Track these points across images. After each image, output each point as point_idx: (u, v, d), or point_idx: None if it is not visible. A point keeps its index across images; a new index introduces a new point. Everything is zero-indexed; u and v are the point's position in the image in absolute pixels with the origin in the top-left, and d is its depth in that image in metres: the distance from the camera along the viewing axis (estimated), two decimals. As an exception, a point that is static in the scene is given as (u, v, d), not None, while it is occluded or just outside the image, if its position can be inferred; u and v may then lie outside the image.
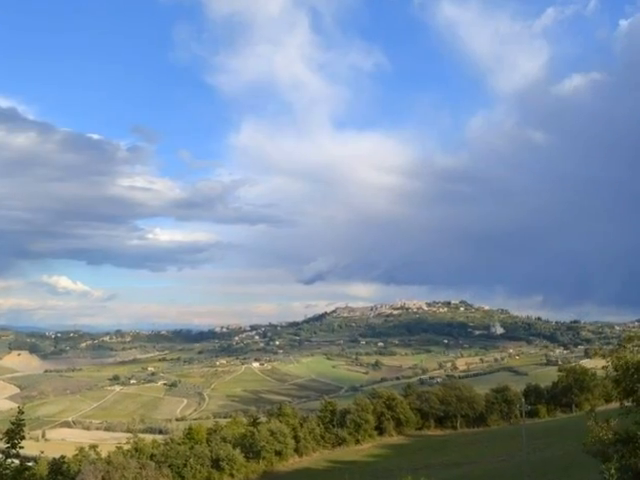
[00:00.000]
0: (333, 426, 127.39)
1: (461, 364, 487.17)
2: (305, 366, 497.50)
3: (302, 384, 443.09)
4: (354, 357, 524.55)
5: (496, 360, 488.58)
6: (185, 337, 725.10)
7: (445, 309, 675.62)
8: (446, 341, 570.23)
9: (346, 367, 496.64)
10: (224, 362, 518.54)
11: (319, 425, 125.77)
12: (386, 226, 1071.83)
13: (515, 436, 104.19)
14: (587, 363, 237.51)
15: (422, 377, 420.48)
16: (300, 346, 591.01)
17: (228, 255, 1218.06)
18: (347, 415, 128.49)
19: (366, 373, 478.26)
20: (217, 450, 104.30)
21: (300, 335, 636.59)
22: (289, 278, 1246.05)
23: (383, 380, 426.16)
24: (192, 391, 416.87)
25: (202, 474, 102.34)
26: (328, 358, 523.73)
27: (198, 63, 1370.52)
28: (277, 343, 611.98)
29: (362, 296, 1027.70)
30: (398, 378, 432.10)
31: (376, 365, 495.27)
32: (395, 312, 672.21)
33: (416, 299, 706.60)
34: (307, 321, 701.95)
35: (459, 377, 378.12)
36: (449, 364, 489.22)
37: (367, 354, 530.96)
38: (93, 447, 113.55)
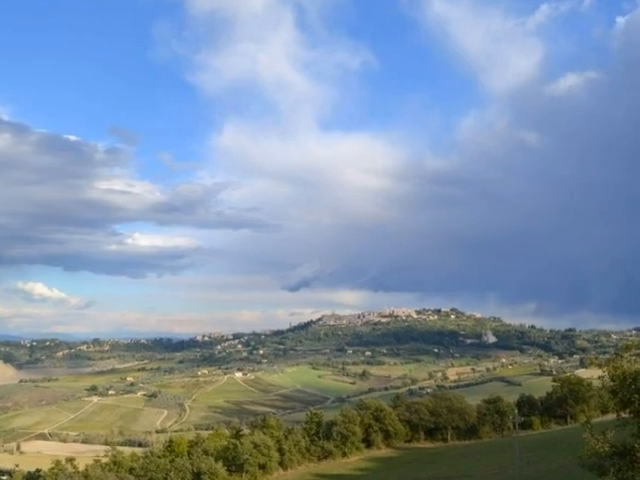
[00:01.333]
0: (319, 438, 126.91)
1: (452, 374, 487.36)
2: (290, 376, 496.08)
3: (287, 395, 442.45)
4: (341, 367, 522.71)
5: (488, 370, 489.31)
6: (165, 346, 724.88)
7: (435, 317, 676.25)
8: (436, 350, 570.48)
9: (332, 377, 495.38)
10: (206, 372, 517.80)
11: (304, 437, 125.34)
12: (374, 231, 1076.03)
13: (508, 449, 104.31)
14: (583, 373, 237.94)
15: (411, 387, 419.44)
16: (285, 355, 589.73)
17: (210, 261, 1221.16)
18: (333, 427, 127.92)
19: (353, 383, 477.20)
20: (198, 463, 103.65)
21: (285, 344, 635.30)
22: (273, 285, 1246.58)
23: (371, 390, 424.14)
24: (173, 402, 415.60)
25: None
26: (314, 368, 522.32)
27: (179, 61, 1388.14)
28: (261, 352, 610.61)
29: (349, 303, 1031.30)
30: (386, 389, 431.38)
31: (364, 375, 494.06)
32: (383, 320, 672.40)
33: (405, 307, 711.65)
34: (292, 329, 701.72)
35: (450, 387, 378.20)
36: (439, 374, 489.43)
37: (354, 364, 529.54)
38: (70, 460, 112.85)
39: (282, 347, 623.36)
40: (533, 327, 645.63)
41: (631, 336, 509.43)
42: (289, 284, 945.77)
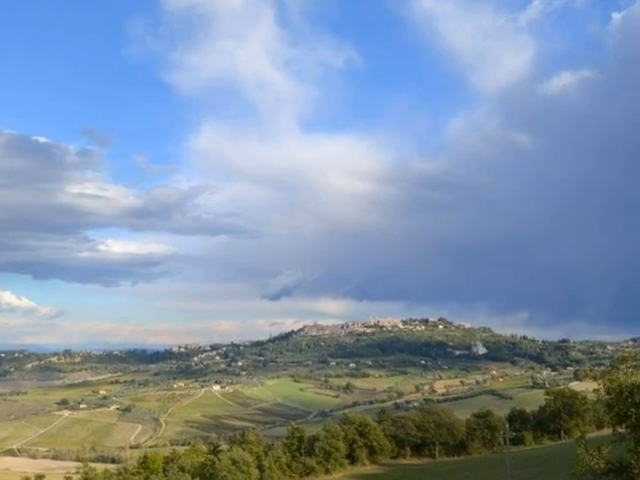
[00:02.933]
0: (301, 454, 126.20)
1: (440, 387, 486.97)
2: (270, 389, 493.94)
3: (267, 409, 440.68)
4: (323, 379, 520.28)
5: (478, 383, 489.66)
6: (140, 358, 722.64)
7: (422, 327, 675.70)
8: (423, 362, 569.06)
9: (315, 390, 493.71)
10: (182, 385, 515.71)
11: (285, 453, 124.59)
12: (358, 237, 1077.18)
13: (499, 465, 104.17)
14: (577, 386, 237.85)
15: (397, 401, 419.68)
16: (265, 367, 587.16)
17: (186, 268, 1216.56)
18: (316, 442, 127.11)
19: (336, 397, 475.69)
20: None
21: (265, 355, 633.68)
22: (253, 293, 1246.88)
23: (355, 404, 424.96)
24: (147, 416, 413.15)
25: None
26: (295, 380, 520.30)
27: (154, 59, 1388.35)
28: (240, 364, 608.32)
29: (332, 313, 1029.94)
30: (371, 402, 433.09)
31: (347, 388, 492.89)
32: (368, 330, 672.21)
33: (391, 316, 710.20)
34: (272, 340, 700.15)
35: (438, 401, 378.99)
36: (427, 387, 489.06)
37: (337, 376, 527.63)
38: (39, 477, 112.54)
39: (262, 359, 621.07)
40: (525, 338, 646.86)
41: (627, 347, 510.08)
42: (269, 292, 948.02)
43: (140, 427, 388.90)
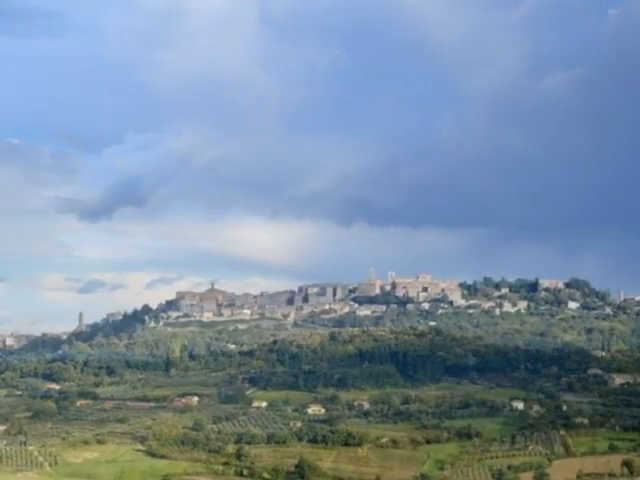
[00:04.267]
0: None
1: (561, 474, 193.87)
2: (82, 475, 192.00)
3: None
4: (230, 449, 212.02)
5: None
6: None
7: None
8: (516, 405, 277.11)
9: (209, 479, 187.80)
10: None
11: None
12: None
13: None
14: None
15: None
16: (64, 413, 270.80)
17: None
18: None
19: None
20: None
21: (65, 376, 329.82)
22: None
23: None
24: None
25: None
26: (150, 452, 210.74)
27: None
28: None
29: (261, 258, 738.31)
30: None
31: (299, 474, 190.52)
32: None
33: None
34: (89, 332, 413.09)
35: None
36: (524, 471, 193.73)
37: (274, 443, 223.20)
38: None
39: (57, 389, 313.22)
40: None
41: None
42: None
43: None
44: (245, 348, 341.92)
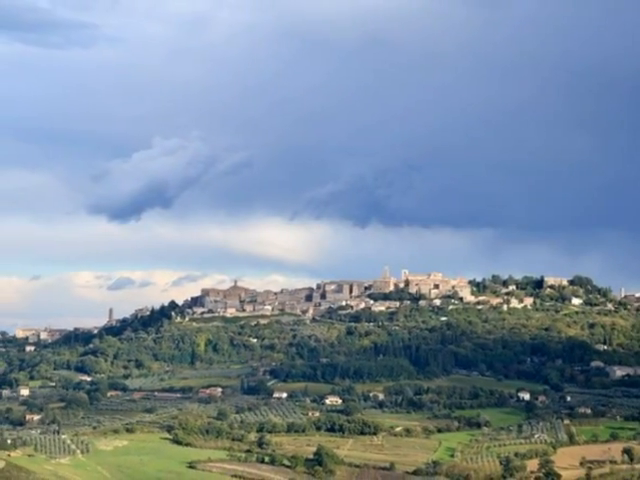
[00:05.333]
0: None
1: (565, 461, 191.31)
2: (109, 464, 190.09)
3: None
4: (252, 437, 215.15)
5: None
6: None
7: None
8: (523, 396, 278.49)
9: (230, 467, 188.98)
10: None
11: None
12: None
13: None
14: None
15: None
16: (95, 403, 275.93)
17: None
18: None
19: None
20: None
21: (97, 370, 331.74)
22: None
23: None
24: None
25: None
26: (177, 439, 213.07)
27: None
28: (26, 394, 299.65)
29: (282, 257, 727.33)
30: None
31: (317, 461, 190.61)
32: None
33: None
34: (118, 326, 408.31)
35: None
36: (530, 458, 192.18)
37: (295, 432, 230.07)
38: None
39: (88, 380, 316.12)
40: None
41: None
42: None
43: None
44: (266, 342, 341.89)
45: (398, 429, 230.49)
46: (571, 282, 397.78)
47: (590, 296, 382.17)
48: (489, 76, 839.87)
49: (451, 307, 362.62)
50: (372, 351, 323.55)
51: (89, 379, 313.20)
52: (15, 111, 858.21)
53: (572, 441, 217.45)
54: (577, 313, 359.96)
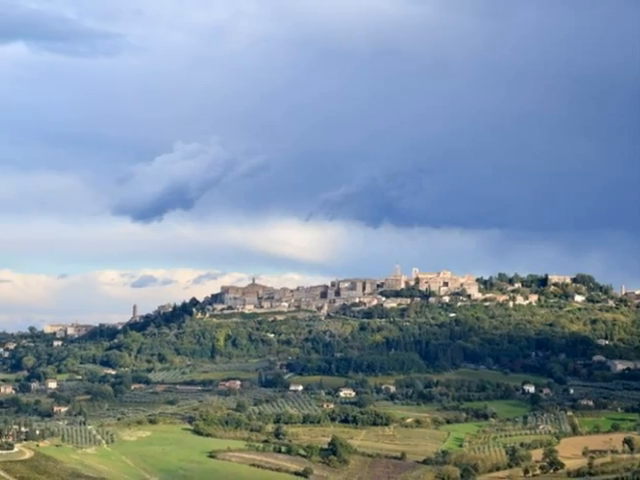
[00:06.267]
0: None
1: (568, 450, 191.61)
2: (133, 453, 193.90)
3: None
4: (269, 428, 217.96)
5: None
6: None
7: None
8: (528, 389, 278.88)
9: (248, 456, 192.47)
10: None
11: None
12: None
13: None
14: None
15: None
16: (120, 395, 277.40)
17: None
18: None
19: (304, 475, 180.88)
20: None
21: (122, 364, 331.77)
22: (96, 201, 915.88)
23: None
24: None
25: None
26: (197, 430, 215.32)
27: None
28: (52, 386, 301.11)
29: (298, 256, 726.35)
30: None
31: (332, 451, 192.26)
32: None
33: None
34: (140, 323, 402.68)
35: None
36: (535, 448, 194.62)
37: (311, 423, 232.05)
38: None
39: (113, 373, 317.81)
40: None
41: None
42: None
43: None
44: (283, 337, 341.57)
45: (409, 420, 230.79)
46: (574, 280, 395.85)
47: (592, 293, 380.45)
48: (496, 84, 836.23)
49: (459, 304, 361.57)
50: (384, 346, 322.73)
51: (114, 372, 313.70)
52: (44, 116, 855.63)
53: (575, 432, 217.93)
54: (580, 309, 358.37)
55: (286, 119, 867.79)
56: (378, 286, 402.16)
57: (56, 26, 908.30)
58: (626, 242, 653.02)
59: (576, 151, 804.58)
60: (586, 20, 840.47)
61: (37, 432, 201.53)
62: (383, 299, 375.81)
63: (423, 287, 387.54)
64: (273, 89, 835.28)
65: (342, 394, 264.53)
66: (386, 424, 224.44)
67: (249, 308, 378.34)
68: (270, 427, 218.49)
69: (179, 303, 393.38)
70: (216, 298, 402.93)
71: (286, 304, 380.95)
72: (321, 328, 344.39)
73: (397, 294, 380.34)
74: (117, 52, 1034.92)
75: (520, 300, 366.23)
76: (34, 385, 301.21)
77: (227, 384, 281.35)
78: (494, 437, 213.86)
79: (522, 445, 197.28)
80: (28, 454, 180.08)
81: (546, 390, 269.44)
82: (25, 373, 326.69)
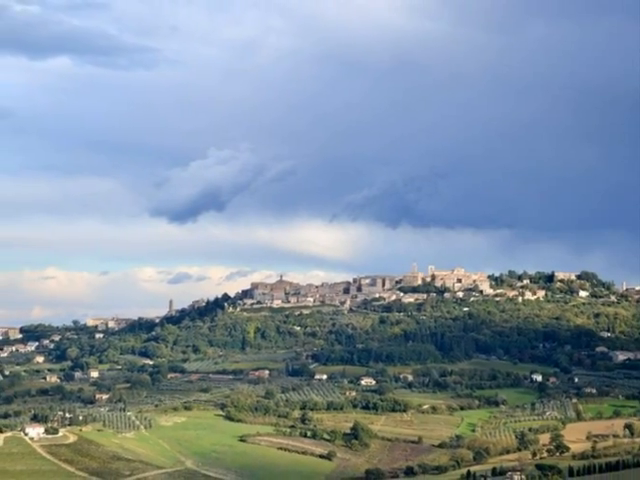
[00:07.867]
0: None
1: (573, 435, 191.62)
2: (169, 437, 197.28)
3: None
4: (297, 416, 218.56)
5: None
6: None
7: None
8: (536, 377, 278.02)
9: (277, 440, 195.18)
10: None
11: None
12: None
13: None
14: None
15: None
16: (157, 385, 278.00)
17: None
18: None
19: (328, 457, 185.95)
20: None
21: (159, 354, 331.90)
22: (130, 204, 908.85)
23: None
24: None
25: None
26: (229, 416, 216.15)
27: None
28: (96, 375, 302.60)
29: (322, 254, 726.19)
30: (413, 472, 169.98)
31: (354, 435, 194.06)
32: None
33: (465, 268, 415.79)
34: (176, 317, 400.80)
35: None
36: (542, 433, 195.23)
37: (333, 410, 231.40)
38: None
39: (150, 364, 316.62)
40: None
41: None
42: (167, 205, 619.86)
43: None
44: (308, 330, 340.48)
45: (425, 407, 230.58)
46: (578, 277, 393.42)
47: (595, 289, 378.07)
48: (506, 94, 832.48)
49: (472, 299, 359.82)
50: (402, 338, 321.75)
51: (151, 363, 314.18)
52: (87, 125, 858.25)
53: (579, 418, 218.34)
54: (584, 304, 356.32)
55: (311, 127, 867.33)
56: (397, 282, 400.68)
57: (98, 41, 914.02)
58: (627, 241, 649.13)
59: (580, 156, 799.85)
60: (590, 35, 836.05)
61: (80, 418, 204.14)
62: (401, 294, 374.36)
63: (438, 283, 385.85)
64: (299, 100, 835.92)
65: (363, 382, 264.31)
66: (404, 410, 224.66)
67: (277, 303, 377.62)
68: (296, 413, 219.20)
69: (212, 298, 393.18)
70: (246, 294, 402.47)
71: (311, 299, 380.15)
72: (344, 321, 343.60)
73: (414, 290, 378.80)
74: (154, 65, 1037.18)
75: (528, 295, 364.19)
76: (77, 374, 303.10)
77: (256, 373, 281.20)
78: (504, 422, 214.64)
79: (530, 430, 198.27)
80: (72, 438, 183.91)
81: (552, 379, 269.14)
82: (69, 363, 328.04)
